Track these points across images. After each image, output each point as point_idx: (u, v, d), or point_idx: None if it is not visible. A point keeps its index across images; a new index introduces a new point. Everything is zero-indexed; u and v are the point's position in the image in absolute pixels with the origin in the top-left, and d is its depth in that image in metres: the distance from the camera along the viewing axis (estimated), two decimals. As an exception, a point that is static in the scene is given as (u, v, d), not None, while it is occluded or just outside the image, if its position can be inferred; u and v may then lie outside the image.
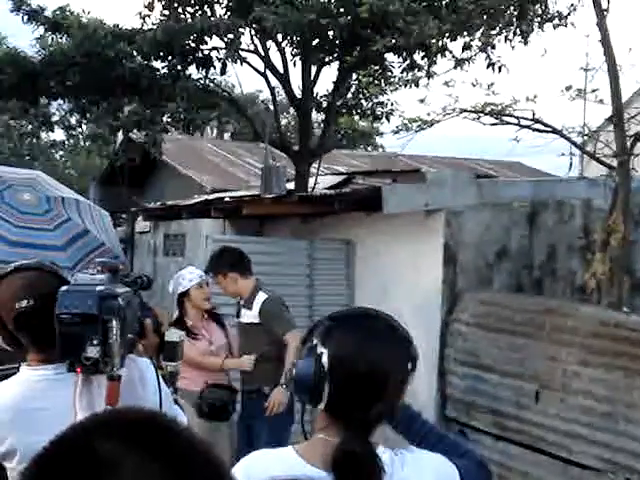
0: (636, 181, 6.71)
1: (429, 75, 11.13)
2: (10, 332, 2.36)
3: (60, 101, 13.96)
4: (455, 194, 6.92)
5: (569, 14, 10.41)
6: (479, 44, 10.66)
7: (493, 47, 10.73)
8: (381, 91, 12.37)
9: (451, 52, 10.99)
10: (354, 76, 12.11)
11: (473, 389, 6.39)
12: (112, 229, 6.13)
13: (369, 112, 12.72)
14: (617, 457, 5.20)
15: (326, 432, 1.83)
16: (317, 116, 13.27)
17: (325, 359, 1.81)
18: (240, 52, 11.15)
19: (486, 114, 7.08)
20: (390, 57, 11.52)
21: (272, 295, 5.79)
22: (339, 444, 1.76)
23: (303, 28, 9.99)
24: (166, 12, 10.90)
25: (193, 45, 11.05)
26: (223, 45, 11.13)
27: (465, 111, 7.11)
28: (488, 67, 10.63)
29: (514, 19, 10.40)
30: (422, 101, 7.47)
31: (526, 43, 10.66)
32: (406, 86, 11.16)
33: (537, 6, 10.45)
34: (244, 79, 45.38)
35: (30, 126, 23.08)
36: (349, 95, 12.41)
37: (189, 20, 10.71)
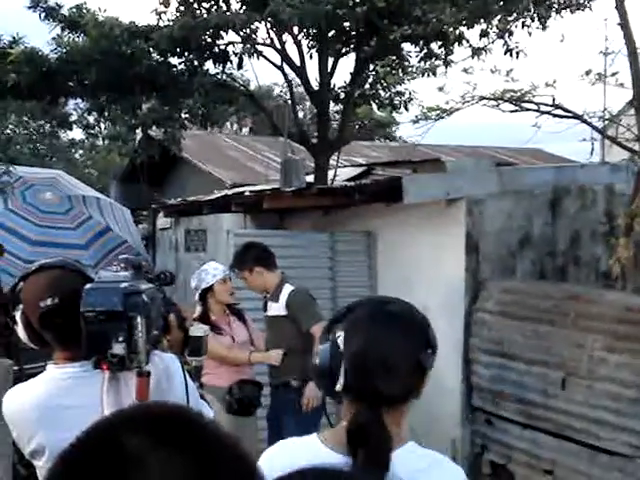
0: (659, 164, 6.65)
1: (447, 64, 11.06)
2: (35, 330, 2.38)
3: (78, 100, 13.99)
4: (476, 182, 6.88)
5: (587, -2, 10.31)
6: (496, 31, 10.58)
7: (511, 33, 10.64)
8: (399, 81, 12.31)
9: (468, 40, 10.93)
10: (371, 66, 12.06)
11: (499, 378, 6.36)
12: (134, 226, 6.16)
13: (387, 102, 12.68)
14: (646, 443, 5.17)
15: (347, 418, 1.84)
16: (334, 108, 13.22)
17: (340, 340, 1.82)
18: (256, 46, 11.14)
19: (505, 101, 7.04)
20: (407, 47, 11.47)
21: (299, 287, 5.81)
22: (349, 420, 1.78)
23: (319, 20, 9.96)
24: (182, 8, 10.90)
25: (209, 40, 11.04)
26: (239, 39, 11.12)
27: (484, 98, 7.07)
28: (506, 53, 10.55)
29: (531, 4, 10.30)
30: (441, 89, 7.43)
31: (544, 28, 10.56)
32: (424, 75, 11.08)
33: (554, -9, 10.35)
34: (261, 73, 45.29)
35: (48, 126, 23.19)
36: (367, 86, 12.36)
37: (205, 15, 10.70)
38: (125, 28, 11.04)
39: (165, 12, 11.06)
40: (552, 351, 5.89)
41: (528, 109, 6.98)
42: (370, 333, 1.85)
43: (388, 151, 19.78)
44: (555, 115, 6.86)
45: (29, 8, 11.58)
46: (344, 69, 12.20)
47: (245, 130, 25.65)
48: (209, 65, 11.55)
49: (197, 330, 2.72)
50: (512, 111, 7.10)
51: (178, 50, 11.07)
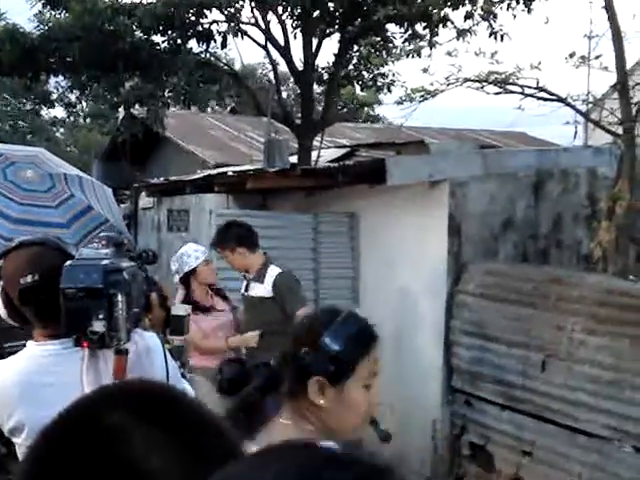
0: (641, 149, 6.67)
1: (431, 45, 11.04)
2: (16, 307, 2.36)
3: (59, 78, 13.88)
4: (459, 165, 6.89)
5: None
6: (481, 13, 10.57)
7: (495, 16, 10.63)
8: (383, 62, 12.29)
9: (452, 22, 10.91)
10: (355, 47, 12.03)
11: (479, 360, 6.39)
12: (115, 205, 6.12)
13: (371, 83, 12.65)
14: (624, 425, 5.20)
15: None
16: (318, 88, 13.19)
17: None
18: (240, 25, 11.07)
19: (490, 83, 7.02)
20: (391, 28, 11.45)
21: (285, 269, 5.79)
22: None
23: (303, 0, 9.90)
24: (165, -15, 10.81)
25: (193, 19, 10.97)
26: (223, 18, 11.05)
27: (468, 80, 7.06)
28: (490, 36, 10.55)
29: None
30: (425, 70, 7.41)
31: (529, 11, 10.57)
32: (408, 56, 11.07)
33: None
34: (245, 52, 45.13)
35: (30, 103, 23.01)
36: (350, 67, 12.33)
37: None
38: (108, 5, 10.94)
39: (149, -12, 10.97)
40: (532, 333, 5.91)
41: (512, 91, 6.97)
42: None
43: (372, 133, 19.77)
44: (539, 98, 6.86)
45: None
46: (328, 50, 12.17)
47: (227, 111, 25.51)
48: (193, 44, 11.49)
49: (179, 309, 2.71)
50: (496, 93, 7.09)
51: (161, 28, 10.99)
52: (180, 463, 0.85)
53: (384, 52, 12.01)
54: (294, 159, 11.13)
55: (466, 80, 7.07)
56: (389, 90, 12.47)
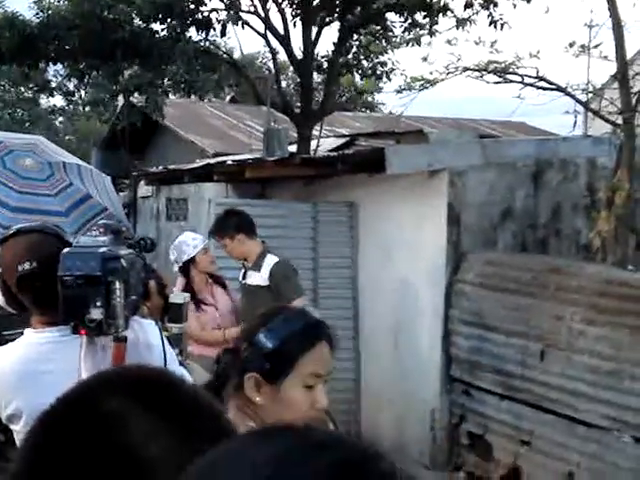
0: (641, 138, 6.65)
1: (431, 34, 11.01)
2: (13, 295, 2.35)
3: (58, 66, 13.85)
4: (459, 154, 6.87)
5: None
6: (481, 2, 10.54)
7: (495, 5, 10.60)
8: (382, 50, 12.26)
9: (452, 11, 10.88)
10: (355, 36, 11.99)
11: (478, 349, 6.39)
12: (115, 194, 6.10)
13: (370, 72, 12.62)
14: (622, 415, 5.21)
15: None
16: (318, 77, 13.15)
17: None
18: (240, 13, 11.03)
19: (489, 72, 7.00)
20: (391, 17, 11.41)
21: (282, 259, 5.78)
22: None
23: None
24: (165, -27, 10.77)
25: (192, 7, 10.93)
26: (223, 6, 11.02)
27: (468, 69, 7.04)
28: (490, 25, 10.52)
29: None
30: (425, 59, 7.40)
31: (529, 0, 10.53)
32: (408, 45, 11.04)
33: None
34: (244, 41, 45.05)
35: (28, 92, 22.96)
36: (350, 55, 12.30)
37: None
38: (108, -9, 10.90)
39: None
40: (532, 323, 5.91)
41: (512, 81, 6.95)
42: None
43: (371, 122, 19.73)
44: (539, 87, 6.84)
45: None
46: (328, 39, 12.14)
47: (226, 100, 25.46)
48: (192, 32, 11.45)
49: (177, 297, 2.71)
50: (496, 82, 7.08)
51: (161, 16, 10.95)
52: (178, 449, 0.85)
53: (384, 41, 11.98)
54: (293, 148, 11.11)
55: (466, 69, 7.06)
56: (389, 78, 12.44)
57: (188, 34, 11.43)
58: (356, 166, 7.30)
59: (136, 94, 12.41)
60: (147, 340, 2.38)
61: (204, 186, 8.81)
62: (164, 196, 10.04)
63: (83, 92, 17.52)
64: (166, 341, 2.43)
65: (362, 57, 12.42)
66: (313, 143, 11.38)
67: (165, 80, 12.06)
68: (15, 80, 20.56)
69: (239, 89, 18.48)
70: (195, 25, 11.24)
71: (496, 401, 6.23)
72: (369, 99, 26.47)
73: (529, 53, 6.86)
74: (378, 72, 12.54)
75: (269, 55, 14.07)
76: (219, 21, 11.23)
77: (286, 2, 11.07)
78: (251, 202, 7.81)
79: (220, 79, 12.93)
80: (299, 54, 11.43)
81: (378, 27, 11.71)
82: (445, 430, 6.74)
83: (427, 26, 11.13)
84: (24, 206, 5.28)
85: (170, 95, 13.57)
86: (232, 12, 10.81)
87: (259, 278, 5.72)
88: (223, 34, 11.54)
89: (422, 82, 7.41)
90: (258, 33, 11.47)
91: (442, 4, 10.64)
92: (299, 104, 12.03)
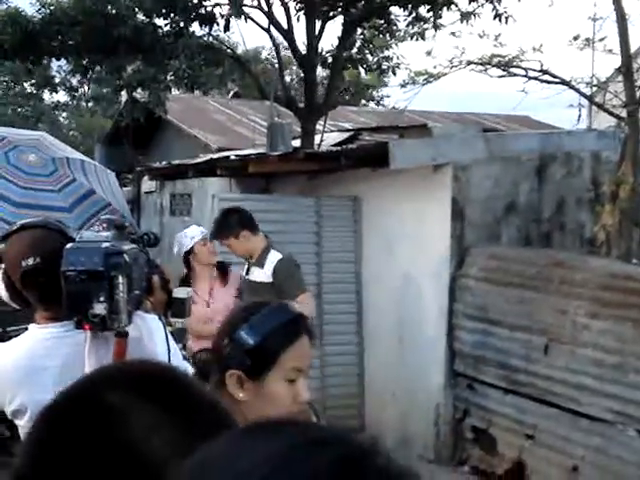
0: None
1: (435, 28, 10.99)
2: (17, 290, 2.35)
3: (61, 62, 13.86)
4: (463, 148, 6.86)
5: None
6: (485, -5, 10.51)
7: (499, -2, 10.57)
8: (386, 45, 12.24)
9: (457, 5, 10.85)
10: (359, 30, 11.97)
11: (482, 343, 6.39)
12: (118, 189, 6.10)
13: (375, 66, 12.60)
14: (627, 409, 5.21)
15: None
16: (321, 72, 13.14)
17: None
18: (243, 8, 11.01)
19: (493, 66, 7.00)
20: (395, 10, 11.38)
21: (286, 255, 5.75)
22: None
23: (306, -18, 9.85)
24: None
25: (196, 1, 10.92)
26: (226, 1, 10.99)
27: (472, 63, 7.03)
28: (495, 18, 10.49)
29: (521, -31, 10.24)
30: (429, 53, 7.40)
31: (533, -6, 10.50)
32: (412, 38, 11.02)
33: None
34: (247, 35, 44.94)
35: (31, 88, 22.98)
36: (354, 50, 12.28)
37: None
38: (110, -13, 10.90)
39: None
40: (535, 317, 5.91)
41: (516, 74, 6.94)
42: None
43: (375, 116, 19.70)
44: (543, 81, 6.84)
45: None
46: (331, 33, 12.12)
47: (230, 96, 25.45)
48: (195, 27, 11.43)
49: (180, 292, 2.71)
50: (500, 76, 7.07)
51: (164, 11, 10.93)
52: (180, 443, 0.85)
53: (388, 35, 11.95)
54: (297, 143, 11.10)
55: (469, 63, 7.05)
56: (394, 73, 12.43)
57: (191, 29, 11.41)
58: (360, 161, 7.29)
59: (139, 89, 12.40)
60: (151, 335, 2.38)
61: (208, 181, 8.81)
62: (168, 191, 10.03)
63: (86, 87, 17.51)
64: (170, 336, 2.42)
65: (366, 51, 12.39)
66: (317, 138, 11.37)
67: (168, 75, 12.05)
68: (18, 76, 20.56)
69: (243, 84, 18.49)
70: (198, 20, 11.22)
71: (500, 395, 6.23)
72: (374, 93, 26.43)
73: (533, 47, 6.86)
74: (383, 67, 12.52)
75: (273, 50, 14.05)
76: (222, 16, 11.21)
77: (290, -4, 11.05)
78: (254, 197, 7.81)
79: (224, 74, 12.91)
80: (303, 48, 11.41)
81: (382, 21, 11.68)
82: (449, 425, 6.74)
83: (431, 20, 11.10)
84: (27, 202, 5.29)
85: (173, 90, 13.56)
86: (235, 6, 10.79)
87: (262, 274, 5.69)
88: (226, 29, 11.52)
89: (426, 76, 7.40)
90: (261, 27, 11.46)
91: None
92: (303, 99, 12.01)
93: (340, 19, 11.31)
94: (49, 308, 2.33)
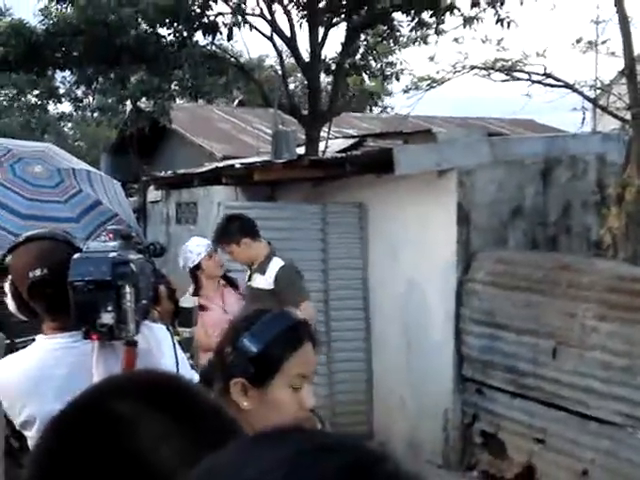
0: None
1: (438, 33, 11.01)
2: (24, 301, 2.36)
3: (66, 73, 13.90)
4: (467, 153, 6.86)
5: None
6: (488, 0, 10.52)
7: (502, 3, 10.58)
8: (390, 51, 12.26)
9: (459, 9, 10.87)
10: (362, 37, 12.00)
11: (489, 348, 6.38)
12: (125, 199, 6.11)
13: (378, 72, 12.62)
14: (635, 411, 5.19)
15: None
16: (325, 79, 13.17)
17: None
18: (246, 16, 11.05)
19: (496, 70, 7.00)
20: (398, 16, 11.41)
21: (288, 262, 5.74)
22: None
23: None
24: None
25: (199, 11, 10.95)
26: (229, 10, 11.03)
27: (475, 68, 7.04)
28: (497, 23, 10.51)
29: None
30: (432, 59, 7.40)
31: (536, -2, 10.52)
32: (414, 43, 11.04)
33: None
34: (251, 44, 45.05)
35: (36, 99, 23.03)
36: (357, 56, 12.30)
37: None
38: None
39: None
40: (543, 320, 5.90)
41: (519, 79, 6.95)
42: None
43: (379, 122, 19.71)
44: (546, 84, 6.84)
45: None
46: (335, 40, 12.14)
47: (235, 104, 25.50)
48: (199, 36, 11.47)
49: (187, 301, 2.71)
50: (503, 80, 7.08)
51: (167, 20, 10.97)
52: (188, 452, 0.85)
53: (391, 41, 11.98)
54: (301, 150, 11.12)
55: (473, 67, 7.05)
56: (397, 79, 12.44)
57: (194, 38, 11.45)
58: (364, 167, 7.30)
59: (143, 99, 12.44)
60: (158, 344, 2.38)
61: (213, 189, 8.82)
62: (174, 200, 10.05)
63: (91, 98, 17.56)
64: (177, 345, 2.43)
65: (370, 58, 12.41)
66: (321, 145, 11.39)
67: (172, 85, 12.08)
68: (22, 87, 20.63)
69: (247, 92, 18.52)
70: (201, 29, 11.26)
71: (508, 399, 6.22)
72: (378, 102, 26.45)
73: (536, 51, 6.86)
74: (386, 73, 12.54)
75: (276, 57, 14.08)
76: (225, 25, 11.25)
77: (292, 4, 11.08)
78: (260, 205, 7.82)
79: (228, 83, 12.95)
80: (306, 56, 11.44)
81: (385, 27, 11.71)
82: (458, 429, 6.73)
83: (434, 25, 11.12)
84: (34, 213, 5.30)
85: (177, 99, 13.59)
86: (238, 15, 10.83)
87: (264, 281, 5.68)
88: (230, 38, 11.56)
89: (429, 81, 7.41)
90: (265, 36, 11.49)
91: (449, 3, 10.64)
92: (307, 106, 12.04)
93: (343, 26, 11.34)
94: (57, 319, 2.34)
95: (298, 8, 11.20)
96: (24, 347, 2.45)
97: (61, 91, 17.28)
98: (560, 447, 5.75)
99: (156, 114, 12.40)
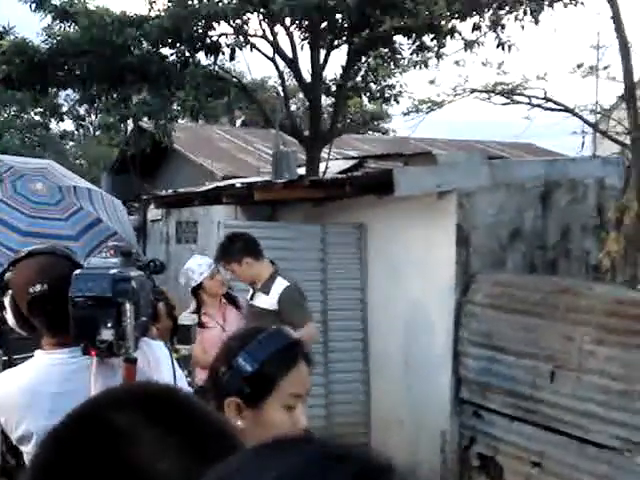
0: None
1: (439, 56, 11.06)
2: (24, 316, 2.37)
3: (69, 91, 13.96)
4: (467, 175, 6.88)
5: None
6: (489, 24, 10.59)
7: (503, 27, 10.65)
8: (390, 73, 12.32)
9: (460, 33, 10.93)
10: (363, 59, 12.06)
11: (487, 370, 6.37)
12: (125, 218, 6.12)
13: (378, 95, 12.67)
14: (634, 436, 5.18)
15: None
16: (326, 100, 13.22)
17: None
18: (248, 37, 11.12)
19: (497, 94, 7.04)
20: (399, 39, 11.47)
21: (292, 283, 5.70)
22: None
23: (311, 11, 9.95)
24: (173, -2, 10.88)
25: (201, 31, 11.02)
26: (231, 31, 11.10)
27: (476, 91, 7.08)
28: (498, 47, 10.56)
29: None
30: (432, 82, 7.45)
31: (537, 22, 10.57)
32: (415, 67, 11.09)
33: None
34: (253, 65, 45.17)
35: (38, 117, 23.11)
36: (358, 78, 12.36)
37: (196, 6, 10.67)
38: (116, 17, 11.00)
39: (156, 1, 11.04)
40: (541, 344, 5.89)
41: (519, 102, 6.99)
42: None
43: (380, 144, 19.79)
44: (546, 108, 6.88)
45: (19, 0, 11.50)
46: (336, 62, 12.21)
47: (238, 124, 25.60)
48: (201, 56, 11.53)
49: (186, 319, 2.72)
50: (504, 104, 7.12)
51: (170, 41, 11.04)
52: (188, 464, 0.85)
53: (392, 63, 12.03)
54: (302, 171, 11.15)
55: (473, 91, 7.10)
56: (397, 101, 12.49)
57: (197, 59, 11.51)
58: (365, 188, 7.31)
59: (145, 119, 12.48)
60: (157, 361, 2.39)
61: (214, 209, 8.84)
62: (174, 219, 10.08)
63: (94, 117, 17.62)
64: (175, 362, 2.43)
65: (370, 80, 12.47)
66: (322, 165, 11.42)
67: (174, 105, 12.13)
68: (24, 105, 20.71)
69: (249, 113, 18.60)
70: (204, 50, 11.32)
71: (506, 422, 6.20)
72: (379, 126, 26.54)
73: (537, 75, 6.91)
74: (386, 95, 12.59)
75: (278, 79, 14.15)
76: (228, 45, 11.31)
77: (294, 26, 11.15)
78: (260, 224, 7.83)
79: (230, 103, 13.00)
80: (308, 77, 11.50)
81: (386, 50, 11.77)
82: (455, 452, 6.70)
83: (435, 48, 11.18)
84: (34, 230, 5.30)
85: (179, 119, 13.64)
86: (240, 36, 10.89)
87: (268, 301, 5.64)
88: (232, 58, 11.62)
89: (429, 104, 7.45)
90: (267, 57, 11.56)
91: (450, 26, 10.70)
92: (308, 127, 12.08)
93: (344, 48, 11.40)
94: (56, 334, 2.34)
95: (300, 30, 11.26)
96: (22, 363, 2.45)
97: (64, 109, 17.33)
98: (558, 471, 5.72)
99: (158, 134, 12.44)
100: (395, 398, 7.30)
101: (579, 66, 7.02)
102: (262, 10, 10.50)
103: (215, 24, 10.86)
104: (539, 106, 6.86)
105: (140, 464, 0.85)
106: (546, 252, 7.10)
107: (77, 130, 25.71)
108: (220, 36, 11.28)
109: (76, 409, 0.91)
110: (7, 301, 2.38)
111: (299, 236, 7.79)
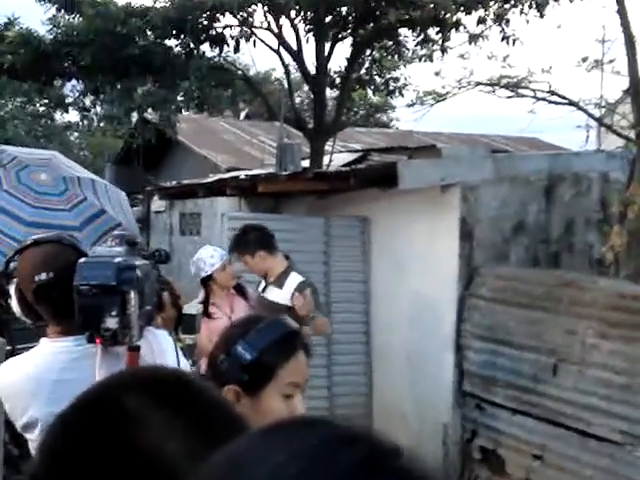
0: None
1: (443, 49, 11.05)
2: (29, 304, 2.38)
3: (74, 82, 13.96)
4: (471, 169, 6.88)
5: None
6: (493, 17, 10.57)
7: (507, 21, 10.63)
8: (394, 66, 12.31)
9: (465, 27, 10.91)
10: (368, 51, 12.05)
11: (490, 364, 6.38)
12: (129, 209, 6.12)
13: (382, 87, 12.66)
14: (635, 429, 5.18)
15: None
16: (331, 93, 13.22)
17: None
18: (253, 29, 11.11)
19: (501, 87, 7.03)
20: (404, 32, 11.46)
21: (306, 279, 5.67)
22: None
23: (316, 3, 9.94)
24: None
25: (206, 23, 11.01)
26: (236, 23, 11.09)
27: (480, 84, 7.07)
28: (502, 40, 10.56)
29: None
30: (437, 74, 7.44)
31: (542, 16, 10.55)
32: (420, 60, 11.08)
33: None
34: (257, 57, 45.16)
35: (43, 108, 23.10)
36: (362, 71, 12.35)
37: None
38: (121, 7, 11.00)
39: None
40: (544, 337, 5.90)
41: (524, 95, 6.98)
42: None
43: (384, 137, 19.77)
44: (551, 102, 6.87)
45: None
46: (341, 54, 12.19)
47: (242, 116, 25.57)
48: (206, 48, 11.52)
49: (191, 308, 2.72)
50: (508, 97, 7.11)
51: (174, 32, 11.03)
52: (196, 446, 0.86)
53: (396, 56, 12.02)
54: (306, 163, 11.14)
55: (478, 84, 7.09)
56: (401, 94, 12.48)
57: (201, 50, 11.51)
58: (369, 181, 7.31)
59: (150, 110, 12.48)
60: (161, 350, 2.40)
61: (217, 201, 8.84)
62: (177, 211, 10.08)
63: (99, 108, 17.60)
64: (180, 351, 2.44)
65: (375, 72, 12.46)
66: (326, 158, 11.42)
67: (178, 96, 12.12)
68: (29, 96, 20.69)
69: (253, 105, 18.59)
70: (209, 41, 11.32)
71: (508, 416, 6.21)
72: (383, 118, 26.49)
73: (542, 68, 6.89)
74: (391, 87, 12.58)
75: (282, 71, 14.14)
76: (233, 37, 11.31)
77: (299, 18, 11.14)
78: (263, 216, 7.83)
79: (234, 95, 12.99)
80: (312, 70, 11.49)
81: (390, 42, 11.76)
82: (457, 445, 6.72)
83: (439, 41, 11.17)
84: (38, 221, 5.31)
85: (184, 110, 13.63)
86: (245, 28, 10.89)
87: (279, 295, 5.60)
88: (237, 50, 11.62)
89: (434, 96, 7.44)
90: (271, 49, 11.56)
91: (455, 20, 10.68)
92: (312, 119, 12.08)
93: (349, 40, 11.40)
94: (61, 322, 2.35)
95: (305, 22, 11.25)
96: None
97: (70, 99, 17.31)
98: (559, 464, 5.74)
99: (162, 125, 12.44)
100: (398, 391, 7.32)
101: (584, 60, 7.00)
102: (267, 2, 10.49)
103: (220, 16, 10.86)
104: (544, 99, 6.84)
105: (148, 446, 0.85)
106: (550, 246, 7.10)
107: (82, 121, 25.70)
108: (225, 28, 11.28)
109: (84, 393, 0.92)
110: (13, 289, 2.39)
111: (303, 229, 7.79)
